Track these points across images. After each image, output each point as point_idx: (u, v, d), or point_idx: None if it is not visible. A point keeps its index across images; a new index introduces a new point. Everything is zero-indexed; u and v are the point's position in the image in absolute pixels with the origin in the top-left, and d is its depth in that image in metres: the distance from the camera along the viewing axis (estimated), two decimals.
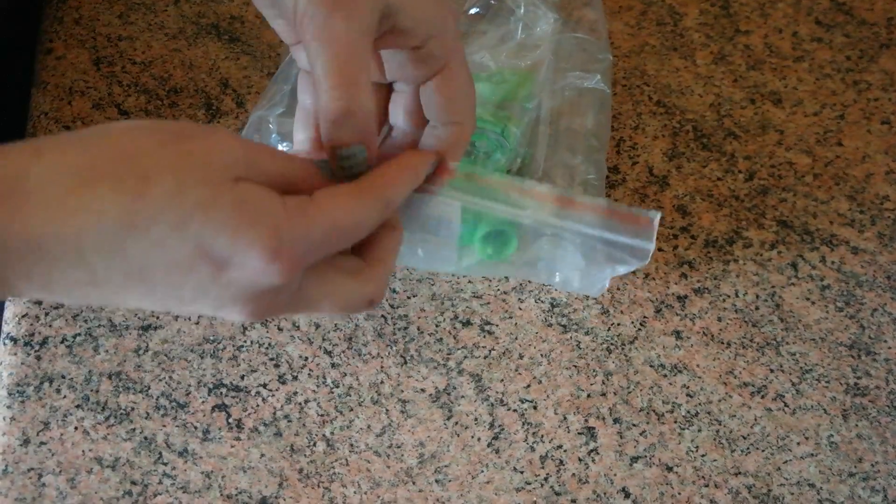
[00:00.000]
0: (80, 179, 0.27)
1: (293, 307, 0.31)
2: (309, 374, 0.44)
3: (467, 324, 0.46)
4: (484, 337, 0.45)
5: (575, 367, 0.45)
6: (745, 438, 0.43)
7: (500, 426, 0.43)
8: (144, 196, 0.27)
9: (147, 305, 0.30)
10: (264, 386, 0.43)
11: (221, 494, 0.41)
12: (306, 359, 0.44)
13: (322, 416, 0.43)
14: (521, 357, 0.45)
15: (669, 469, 0.42)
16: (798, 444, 0.43)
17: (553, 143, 0.48)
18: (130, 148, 0.28)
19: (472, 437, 0.43)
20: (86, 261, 0.27)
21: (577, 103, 0.49)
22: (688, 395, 0.44)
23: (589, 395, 0.44)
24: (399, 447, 0.42)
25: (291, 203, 0.30)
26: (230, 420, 0.42)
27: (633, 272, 0.47)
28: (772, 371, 0.45)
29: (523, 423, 0.43)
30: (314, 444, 0.42)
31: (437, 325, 0.45)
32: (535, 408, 0.43)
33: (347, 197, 0.31)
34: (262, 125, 0.47)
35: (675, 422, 0.43)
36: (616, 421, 0.43)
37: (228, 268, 0.28)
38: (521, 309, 0.46)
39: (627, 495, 0.41)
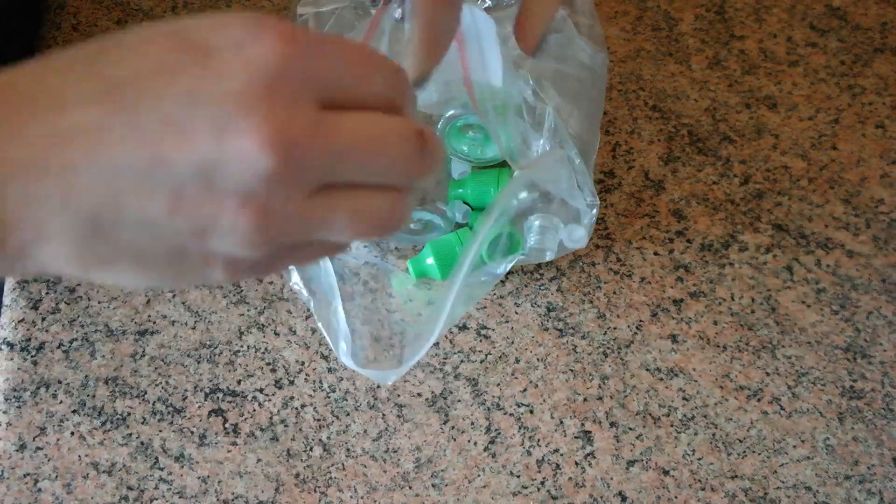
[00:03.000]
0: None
1: (306, 217, 0.24)
2: (305, 378, 0.44)
3: (464, 328, 0.46)
4: (480, 341, 0.45)
5: (571, 371, 0.45)
6: (741, 442, 0.43)
7: (496, 430, 0.43)
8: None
9: (134, 148, 0.22)
10: (261, 391, 0.43)
11: (218, 499, 0.41)
12: (303, 363, 0.44)
13: (318, 420, 0.43)
14: (517, 361, 0.45)
15: (666, 473, 0.42)
16: (794, 447, 0.43)
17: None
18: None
19: (469, 441, 0.43)
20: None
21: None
22: (684, 398, 0.44)
23: (585, 399, 0.44)
24: (395, 452, 0.42)
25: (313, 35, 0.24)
26: (227, 425, 0.42)
27: (630, 276, 0.48)
28: (768, 374, 0.45)
29: (520, 428, 0.43)
30: (311, 449, 0.42)
31: None
32: (531, 412, 0.43)
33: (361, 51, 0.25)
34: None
35: (672, 425, 0.43)
36: (612, 425, 0.43)
37: (214, 47, 0.22)
38: (517, 313, 0.46)
39: (624, 499, 0.41)
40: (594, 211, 0.43)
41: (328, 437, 0.42)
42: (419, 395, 0.44)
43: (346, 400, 0.43)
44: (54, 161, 0.22)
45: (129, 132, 0.22)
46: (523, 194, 0.43)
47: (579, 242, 0.44)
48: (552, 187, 0.43)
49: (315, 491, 0.41)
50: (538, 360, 0.45)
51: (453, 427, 0.43)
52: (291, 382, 0.44)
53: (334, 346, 0.41)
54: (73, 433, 0.42)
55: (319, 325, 0.42)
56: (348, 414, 0.43)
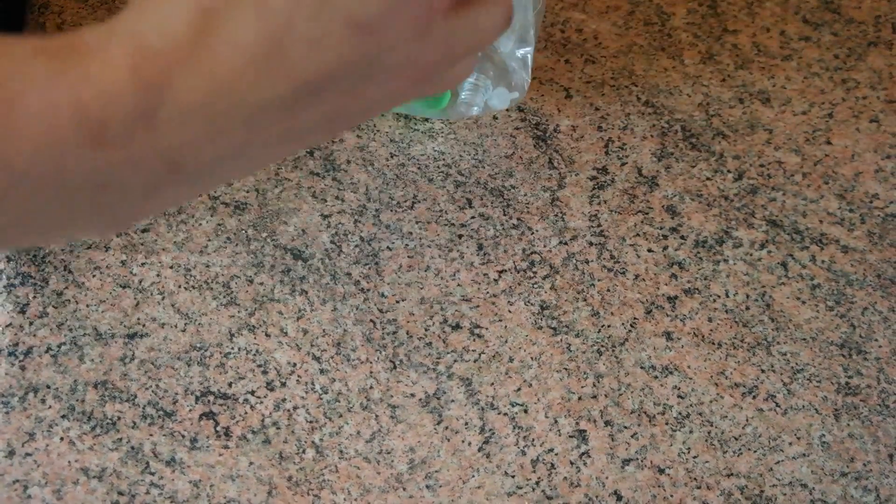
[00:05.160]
0: (200, 25, 0.23)
1: (449, 53, 0.28)
2: (297, 380, 0.43)
3: (457, 327, 0.45)
4: (473, 340, 0.45)
5: (566, 369, 0.44)
6: (736, 439, 0.43)
7: (490, 430, 0.43)
8: (267, 7, 0.24)
9: (321, 121, 0.26)
10: (252, 393, 0.43)
11: (210, 503, 0.40)
12: (294, 365, 0.44)
13: (311, 422, 0.42)
14: (511, 360, 0.44)
15: (661, 471, 0.42)
16: (790, 444, 0.43)
17: None
18: None
19: (463, 441, 0.42)
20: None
21: None
22: (679, 396, 0.44)
23: (580, 398, 0.44)
24: (389, 453, 0.42)
25: None
26: (218, 428, 0.42)
27: (623, 273, 0.47)
28: (763, 371, 0.45)
29: (514, 427, 0.43)
30: (303, 452, 0.42)
31: (426, 329, 0.45)
32: (525, 411, 0.43)
33: None
34: None
35: (667, 423, 0.43)
36: (607, 423, 0.43)
37: (386, 29, 0.25)
38: (510, 311, 0.46)
39: (619, 498, 0.41)
40: (526, 76, 0.49)
41: (321, 440, 0.42)
42: (412, 395, 0.43)
43: (339, 401, 0.43)
44: None
45: None
46: None
47: (503, 104, 0.50)
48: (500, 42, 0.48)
49: (308, 494, 0.41)
50: (532, 358, 0.44)
51: (447, 427, 0.43)
52: (283, 384, 0.43)
53: None
54: (62, 438, 0.42)
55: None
56: (341, 415, 0.43)
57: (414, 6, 0.26)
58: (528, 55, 0.50)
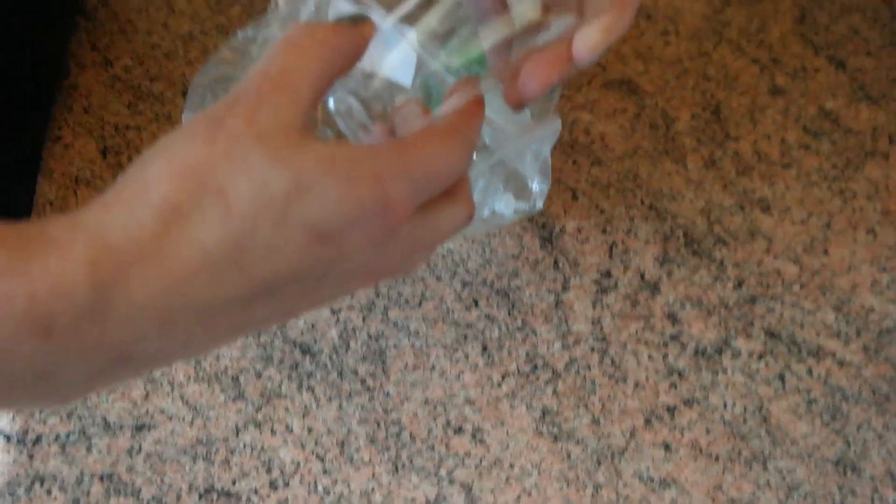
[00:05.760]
0: (163, 224, 0.24)
1: (407, 253, 0.30)
2: (300, 479, 0.44)
3: (459, 431, 0.46)
4: (475, 445, 0.46)
5: (565, 479, 0.45)
6: None
7: None
8: (231, 211, 0.24)
9: (274, 313, 0.27)
10: (255, 492, 0.44)
11: None
12: (298, 464, 0.44)
13: None
14: (511, 467, 0.45)
15: None
16: None
17: None
18: (184, 164, 0.25)
19: None
20: (202, 301, 0.25)
21: None
22: None
23: None
24: None
25: (381, 149, 0.27)
26: None
27: (624, 381, 0.48)
28: (759, 487, 0.45)
29: None
30: None
31: (429, 432, 0.46)
32: None
33: (441, 140, 0.29)
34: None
35: None
36: None
37: (346, 240, 0.26)
38: (512, 416, 0.47)
39: None
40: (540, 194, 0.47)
41: None
42: (413, 500, 0.44)
43: (341, 503, 0.44)
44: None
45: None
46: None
47: (508, 210, 0.48)
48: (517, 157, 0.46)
49: None
50: (532, 465, 0.45)
51: None
52: (286, 484, 0.44)
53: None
54: None
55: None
56: None
57: (376, 220, 0.26)
58: (545, 185, 0.48)
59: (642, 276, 0.53)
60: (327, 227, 0.26)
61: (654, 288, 0.52)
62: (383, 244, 0.27)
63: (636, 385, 0.48)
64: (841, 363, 0.50)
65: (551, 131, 0.45)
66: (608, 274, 0.52)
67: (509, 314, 0.51)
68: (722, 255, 0.54)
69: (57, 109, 0.57)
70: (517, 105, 0.33)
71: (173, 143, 0.26)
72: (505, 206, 0.52)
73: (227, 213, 0.24)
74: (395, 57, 0.35)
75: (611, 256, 0.53)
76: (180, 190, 0.24)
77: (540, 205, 0.48)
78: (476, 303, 0.51)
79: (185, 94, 0.59)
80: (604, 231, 0.54)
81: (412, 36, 0.35)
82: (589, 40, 0.32)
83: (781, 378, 0.49)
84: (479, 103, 0.32)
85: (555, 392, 0.48)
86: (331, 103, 0.40)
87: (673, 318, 0.51)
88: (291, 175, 0.25)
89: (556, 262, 0.53)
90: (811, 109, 0.61)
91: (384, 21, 0.35)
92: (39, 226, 0.24)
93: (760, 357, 0.50)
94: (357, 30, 0.29)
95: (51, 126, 0.57)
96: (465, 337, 0.49)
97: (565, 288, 0.52)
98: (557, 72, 0.32)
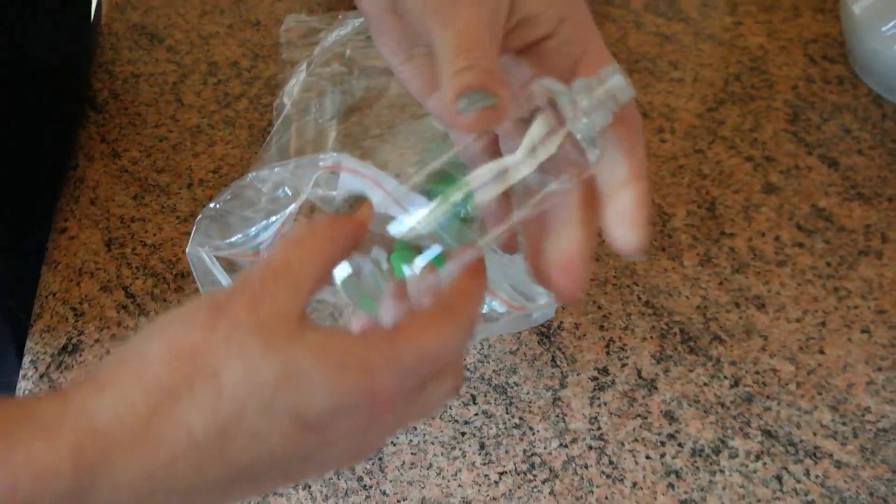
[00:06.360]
0: (153, 408, 0.25)
1: (391, 431, 0.31)
2: None
3: None
4: None
5: None
6: None
7: None
8: (221, 395, 0.25)
9: (254, 492, 0.28)
10: None
11: None
12: None
13: None
14: None
15: None
16: None
17: None
18: (182, 346, 0.26)
19: None
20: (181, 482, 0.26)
21: None
22: None
23: None
24: None
25: (374, 337, 0.28)
26: None
27: (622, 480, 0.48)
28: None
29: None
30: None
31: None
32: None
33: (436, 325, 0.29)
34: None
35: None
36: None
37: (331, 428, 0.27)
38: None
39: None
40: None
41: None
42: None
43: None
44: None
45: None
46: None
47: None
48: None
49: None
50: None
51: None
52: None
53: None
54: None
55: None
56: None
57: (362, 409, 0.27)
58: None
59: (639, 374, 0.53)
60: (313, 415, 0.26)
61: (652, 385, 0.52)
62: (367, 430, 0.28)
63: (634, 485, 0.48)
64: (838, 464, 0.50)
65: (542, 314, 0.49)
66: (605, 371, 0.53)
67: (507, 411, 0.51)
68: (718, 352, 0.54)
69: (64, 201, 0.59)
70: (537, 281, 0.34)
71: (173, 325, 0.27)
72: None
73: (218, 396, 0.25)
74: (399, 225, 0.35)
75: (608, 353, 0.54)
76: (176, 372, 0.26)
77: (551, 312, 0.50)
78: (474, 399, 0.51)
79: (189, 186, 0.60)
80: (601, 327, 0.55)
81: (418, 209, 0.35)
82: (631, 239, 0.31)
83: (779, 479, 0.49)
84: (479, 270, 0.32)
85: (552, 492, 0.47)
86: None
87: (670, 416, 0.51)
88: (283, 363, 0.26)
89: (553, 359, 0.53)
90: (805, 207, 0.62)
91: (391, 190, 0.37)
92: (31, 405, 0.25)
93: (758, 457, 0.50)
94: (353, 219, 0.31)
95: (57, 217, 0.58)
96: (463, 434, 0.49)
97: (563, 385, 0.52)
98: (587, 267, 0.32)
